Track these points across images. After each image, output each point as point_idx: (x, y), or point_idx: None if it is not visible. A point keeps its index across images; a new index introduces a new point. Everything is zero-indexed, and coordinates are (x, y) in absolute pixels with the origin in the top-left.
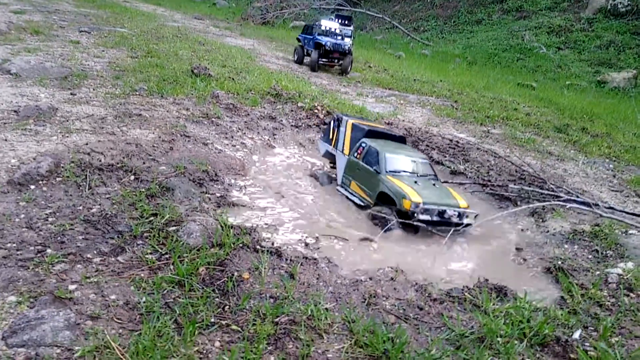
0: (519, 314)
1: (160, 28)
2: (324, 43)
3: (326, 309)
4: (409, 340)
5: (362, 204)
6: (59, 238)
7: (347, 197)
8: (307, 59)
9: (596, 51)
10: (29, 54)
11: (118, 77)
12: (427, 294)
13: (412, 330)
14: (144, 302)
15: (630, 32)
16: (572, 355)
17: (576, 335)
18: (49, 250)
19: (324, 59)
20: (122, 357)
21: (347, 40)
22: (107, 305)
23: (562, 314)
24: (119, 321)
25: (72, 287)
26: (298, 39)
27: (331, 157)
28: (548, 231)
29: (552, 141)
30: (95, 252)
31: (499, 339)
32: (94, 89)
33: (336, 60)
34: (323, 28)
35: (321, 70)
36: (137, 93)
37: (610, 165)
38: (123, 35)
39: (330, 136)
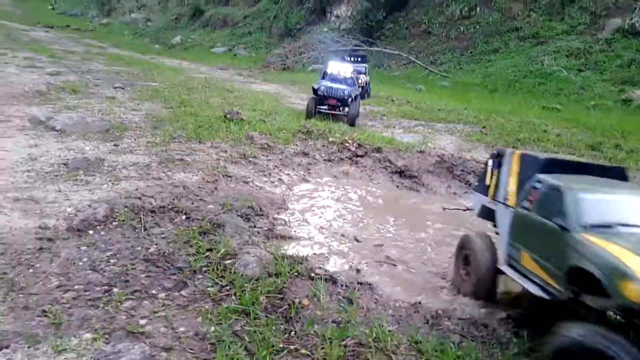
0: None
1: (189, 80)
2: (316, 88)
3: (389, 330)
4: (480, 357)
5: (545, 295)
6: (122, 277)
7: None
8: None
9: (618, 70)
10: (70, 111)
11: (156, 126)
12: (490, 312)
13: (481, 348)
14: (213, 332)
15: None
16: None
17: None
18: (115, 290)
19: (322, 107)
20: None
21: (350, 88)
22: (178, 337)
23: None
24: (192, 351)
25: (142, 321)
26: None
27: (491, 216)
28: None
29: (587, 159)
30: (159, 288)
31: None
32: (135, 139)
33: (340, 109)
34: (329, 71)
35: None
36: (176, 140)
37: None
38: (155, 89)
39: (488, 181)
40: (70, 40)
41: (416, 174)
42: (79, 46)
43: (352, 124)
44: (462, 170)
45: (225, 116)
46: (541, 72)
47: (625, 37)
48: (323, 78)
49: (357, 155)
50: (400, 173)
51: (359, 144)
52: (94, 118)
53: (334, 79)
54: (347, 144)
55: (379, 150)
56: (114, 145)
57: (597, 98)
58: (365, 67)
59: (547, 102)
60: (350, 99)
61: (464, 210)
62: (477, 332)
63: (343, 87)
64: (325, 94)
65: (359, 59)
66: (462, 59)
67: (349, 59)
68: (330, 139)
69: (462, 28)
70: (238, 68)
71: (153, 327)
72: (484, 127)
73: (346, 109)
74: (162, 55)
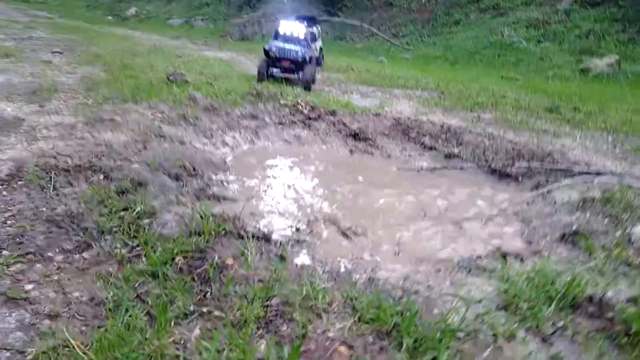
0: (542, 277)
1: (136, 46)
2: (268, 49)
3: (324, 288)
4: (422, 312)
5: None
6: (17, 239)
7: None
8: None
9: (576, 41)
10: None
11: (90, 89)
12: (434, 268)
13: (423, 303)
14: (112, 297)
15: (608, 19)
16: (609, 315)
17: (609, 294)
18: (4, 252)
19: (275, 70)
20: (83, 355)
21: (303, 49)
22: (69, 302)
23: (589, 276)
24: (82, 318)
25: (28, 286)
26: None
27: None
28: (555, 202)
29: (545, 121)
30: (57, 250)
31: (523, 304)
32: (64, 101)
33: (294, 72)
34: (281, 31)
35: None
36: (110, 101)
37: (610, 138)
38: (96, 54)
39: None
40: (17, 11)
41: (371, 137)
42: (25, 17)
43: (307, 88)
44: (418, 133)
45: (168, 78)
46: (501, 44)
47: (584, 8)
48: (275, 38)
49: (310, 119)
50: (355, 136)
51: (312, 107)
52: (22, 80)
53: (287, 40)
54: (299, 107)
55: (333, 113)
56: (40, 106)
57: (556, 68)
58: (316, 31)
59: (506, 73)
60: (304, 61)
61: (418, 170)
62: (421, 288)
63: (297, 48)
64: (277, 55)
65: (307, 22)
66: (423, 31)
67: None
68: (282, 102)
69: (423, 0)
70: (193, 38)
71: (41, 293)
72: (442, 92)
73: (301, 73)
74: (113, 26)
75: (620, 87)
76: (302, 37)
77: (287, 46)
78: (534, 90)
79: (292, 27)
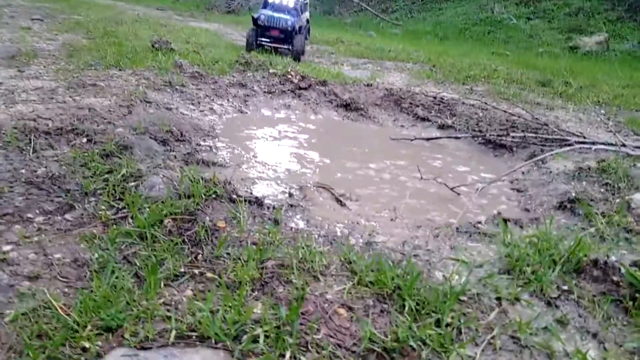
0: (545, 242)
1: (119, 15)
2: (257, 17)
3: (320, 251)
4: (422, 276)
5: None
6: None
7: None
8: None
9: (566, 18)
10: None
11: (72, 55)
12: (433, 233)
13: (423, 267)
14: (97, 258)
15: None
16: (614, 278)
17: (613, 258)
18: None
19: (264, 39)
20: (66, 316)
21: (293, 19)
22: (50, 264)
23: (591, 241)
24: (65, 280)
25: (6, 247)
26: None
27: None
28: (551, 172)
29: (538, 94)
30: (37, 211)
31: (527, 268)
32: (44, 66)
33: (279, 42)
34: (271, 0)
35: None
36: (93, 67)
37: (602, 111)
38: (78, 22)
39: None
40: None
41: (363, 107)
42: None
43: (297, 59)
44: (411, 104)
45: (152, 45)
46: (491, 20)
47: None
48: (264, 7)
49: (301, 88)
50: (346, 106)
51: (302, 77)
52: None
53: (277, 9)
54: (289, 76)
55: (324, 83)
56: (19, 71)
57: (545, 45)
58: (305, 0)
59: (496, 49)
60: (294, 31)
61: (411, 140)
62: (420, 252)
63: (287, 17)
64: (266, 24)
65: None
66: (413, 7)
67: None
68: (272, 71)
69: None
70: (178, 10)
71: (20, 254)
72: (433, 65)
73: (290, 43)
74: None
75: (609, 65)
76: (291, 6)
77: (277, 15)
78: (524, 66)
79: None
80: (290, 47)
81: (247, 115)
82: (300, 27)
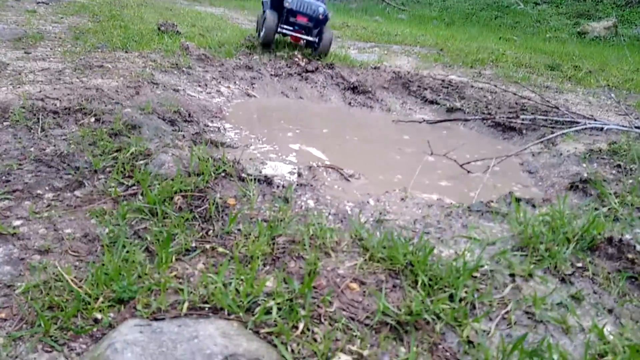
0: (558, 220)
1: None
2: None
3: (331, 228)
4: (435, 252)
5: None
6: (3, 177)
7: None
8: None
9: (574, 4)
10: None
11: (78, 37)
12: (444, 211)
13: (435, 244)
14: (107, 233)
15: None
16: (629, 256)
17: (627, 236)
18: None
19: (286, 27)
20: (78, 289)
21: (324, 6)
22: (60, 238)
23: (604, 220)
24: (75, 254)
25: (17, 222)
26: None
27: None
28: (561, 154)
29: (546, 78)
30: (47, 188)
31: (540, 245)
32: (51, 49)
33: (304, 32)
34: None
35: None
36: (99, 50)
37: (612, 94)
38: (83, 4)
39: None
40: None
41: (370, 90)
42: None
43: (321, 56)
44: (419, 87)
45: (159, 28)
46: (498, 5)
47: None
48: None
49: (308, 71)
50: (354, 89)
51: (309, 60)
52: (5, 27)
53: None
54: (296, 59)
55: (331, 66)
56: (25, 52)
57: (553, 31)
58: None
59: (503, 34)
60: (325, 21)
61: (420, 122)
62: (432, 230)
63: (318, 2)
64: (295, 8)
65: None
66: None
67: None
68: (278, 54)
69: None
70: None
71: (30, 229)
72: (441, 49)
73: (316, 35)
74: None
75: (618, 49)
76: None
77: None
78: (532, 50)
79: None
80: (317, 41)
81: (254, 97)
82: (327, 15)
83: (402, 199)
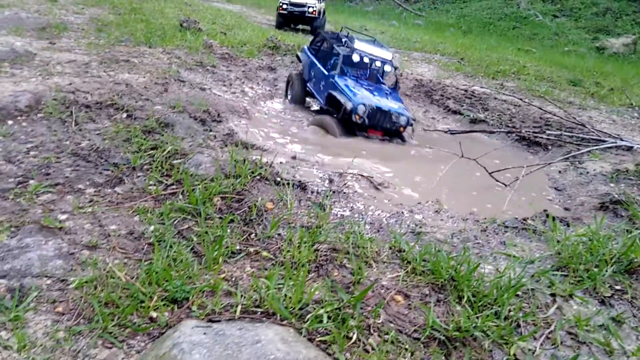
0: (595, 241)
1: None
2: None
3: (370, 238)
4: (472, 265)
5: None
6: (43, 170)
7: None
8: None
9: (593, 18)
10: (2, 7)
11: (101, 30)
12: (479, 226)
13: (475, 258)
14: (152, 232)
15: None
16: None
17: None
18: (32, 182)
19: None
20: (133, 285)
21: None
22: (107, 235)
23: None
24: (123, 251)
25: (62, 217)
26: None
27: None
28: (588, 172)
29: (569, 93)
30: (87, 183)
31: (579, 266)
32: (75, 40)
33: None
34: None
35: None
36: (123, 44)
37: (635, 114)
38: None
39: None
40: None
41: None
42: None
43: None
44: (442, 96)
45: (181, 24)
46: (516, 16)
47: None
48: None
49: None
50: None
51: None
52: (29, 15)
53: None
54: None
55: None
56: (50, 42)
57: (571, 44)
58: None
59: (521, 45)
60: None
61: (446, 132)
62: (470, 244)
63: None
64: (367, 122)
65: None
66: None
67: None
68: None
69: None
70: None
71: (75, 223)
72: (462, 58)
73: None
74: None
75: (637, 67)
76: None
77: None
78: (552, 64)
79: None
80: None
81: (277, 99)
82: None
83: (436, 211)
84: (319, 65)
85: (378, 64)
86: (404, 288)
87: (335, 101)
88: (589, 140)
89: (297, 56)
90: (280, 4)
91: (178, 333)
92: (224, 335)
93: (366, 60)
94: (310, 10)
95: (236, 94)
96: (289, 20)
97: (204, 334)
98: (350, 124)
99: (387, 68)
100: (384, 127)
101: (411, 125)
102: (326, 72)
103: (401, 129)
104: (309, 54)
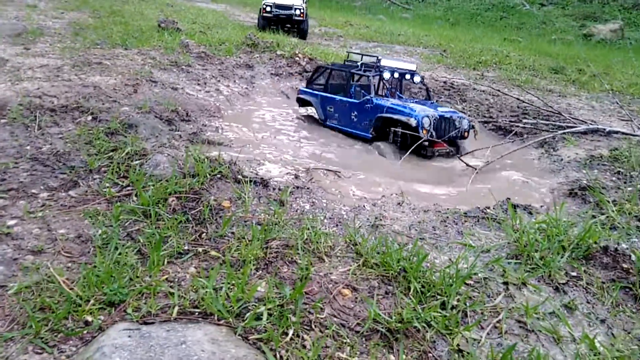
0: (554, 228)
1: None
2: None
3: (326, 233)
4: (429, 258)
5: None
6: None
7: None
8: None
9: (580, 5)
10: None
11: (78, 33)
12: (440, 216)
13: (430, 250)
14: (100, 234)
15: None
16: (624, 265)
17: (623, 245)
18: None
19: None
20: (69, 290)
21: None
22: (54, 239)
23: (601, 229)
24: (68, 255)
25: (11, 222)
26: None
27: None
28: (562, 159)
29: (550, 81)
30: (42, 187)
31: (535, 253)
32: (50, 44)
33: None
34: None
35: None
36: (99, 46)
37: (615, 99)
38: (85, 0)
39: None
40: None
41: None
42: None
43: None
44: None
45: (159, 25)
46: (503, 6)
47: None
48: None
49: (308, 71)
50: None
51: (310, 59)
52: (5, 22)
53: None
54: (297, 59)
55: None
56: (25, 48)
57: (559, 32)
58: None
59: (508, 35)
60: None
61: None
62: (427, 235)
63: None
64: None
65: None
66: None
67: None
68: (279, 52)
69: None
70: None
71: (24, 229)
72: (444, 50)
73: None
74: None
75: (624, 53)
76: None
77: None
78: (537, 52)
79: None
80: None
81: (254, 97)
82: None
83: (398, 203)
84: (339, 97)
85: (408, 76)
86: (354, 281)
87: (389, 123)
88: (565, 128)
89: (300, 100)
90: (264, 6)
91: (104, 337)
92: (149, 338)
93: (397, 75)
94: (298, 12)
95: (210, 92)
96: (274, 23)
97: (129, 336)
98: (411, 144)
99: (417, 79)
100: (450, 137)
101: (473, 127)
102: (357, 100)
103: (465, 134)
104: (314, 92)
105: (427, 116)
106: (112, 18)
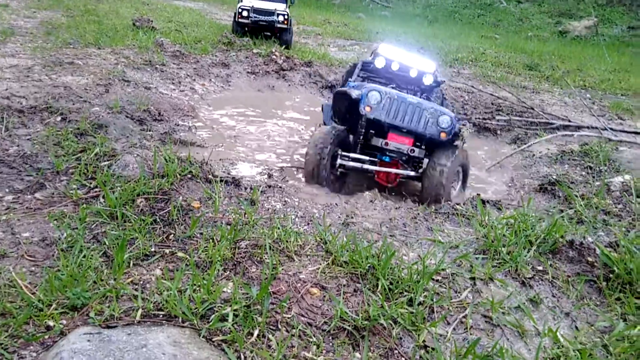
0: (522, 223)
1: None
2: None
3: (296, 231)
4: (398, 255)
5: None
6: None
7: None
8: None
9: (556, 2)
10: None
11: (50, 33)
12: (411, 213)
13: (399, 247)
14: (65, 237)
15: None
16: (589, 259)
17: (589, 239)
18: None
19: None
20: (31, 295)
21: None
22: (17, 242)
23: (568, 223)
24: (32, 259)
25: None
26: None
27: None
28: (534, 155)
29: (524, 78)
30: (7, 190)
31: (502, 248)
32: (21, 44)
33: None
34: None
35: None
36: (71, 46)
37: (588, 95)
38: None
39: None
40: None
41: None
42: None
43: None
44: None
45: (134, 24)
46: (481, 3)
47: None
48: None
49: (285, 69)
50: (332, 88)
51: (287, 57)
52: None
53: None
54: (274, 57)
55: (309, 64)
56: None
57: (535, 29)
58: None
59: (485, 32)
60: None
61: None
62: (397, 232)
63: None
64: (383, 118)
65: None
66: None
67: None
68: (255, 51)
69: None
70: None
71: None
72: (421, 47)
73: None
74: None
75: (598, 49)
76: None
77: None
78: (513, 49)
79: None
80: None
81: (229, 95)
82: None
83: (370, 201)
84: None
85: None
86: (322, 280)
87: None
88: (537, 124)
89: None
90: (240, 10)
91: (64, 341)
92: (109, 342)
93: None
94: (281, 19)
95: (185, 91)
96: (251, 30)
97: (88, 341)
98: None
99: None
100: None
101: (460, 131)
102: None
103: (442, 135)
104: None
105: None
106: (86, 17)
